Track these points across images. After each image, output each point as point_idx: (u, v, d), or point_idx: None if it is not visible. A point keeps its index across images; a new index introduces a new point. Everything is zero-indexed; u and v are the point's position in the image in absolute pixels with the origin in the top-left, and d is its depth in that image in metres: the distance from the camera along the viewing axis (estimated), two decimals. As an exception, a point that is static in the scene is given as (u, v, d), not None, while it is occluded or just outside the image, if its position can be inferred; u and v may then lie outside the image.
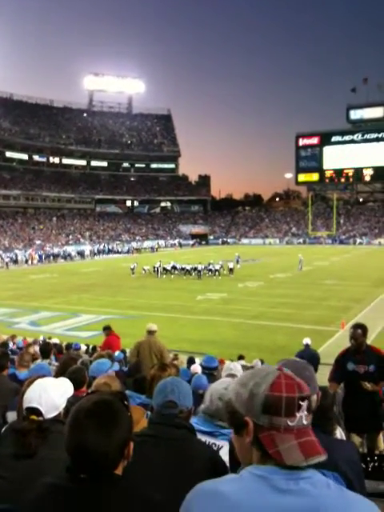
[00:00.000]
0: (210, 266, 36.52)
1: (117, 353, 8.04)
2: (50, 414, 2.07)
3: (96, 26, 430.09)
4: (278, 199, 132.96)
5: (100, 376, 3.15)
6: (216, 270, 35.71)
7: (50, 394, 2.10)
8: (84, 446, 1.28)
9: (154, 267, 37.78)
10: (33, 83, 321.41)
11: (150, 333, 6.95)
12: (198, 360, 9.81)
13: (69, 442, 1.32)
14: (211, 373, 5.74)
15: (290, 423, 1.10)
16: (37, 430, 1.97)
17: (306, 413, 1.12)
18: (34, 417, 2.02)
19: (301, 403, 1.12)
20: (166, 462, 1.89)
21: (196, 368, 6.71)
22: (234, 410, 1.18)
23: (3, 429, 2.32)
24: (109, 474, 1.32)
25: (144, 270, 38.44)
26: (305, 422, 1.12)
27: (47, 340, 12.68)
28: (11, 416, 3.05)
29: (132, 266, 38.64)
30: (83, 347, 12.44)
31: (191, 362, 9.20)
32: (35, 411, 2.05)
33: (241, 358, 11.43)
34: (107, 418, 1.32)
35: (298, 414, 1.11)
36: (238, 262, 41.70)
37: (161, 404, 2.11)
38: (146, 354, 6.52)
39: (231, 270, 36.02)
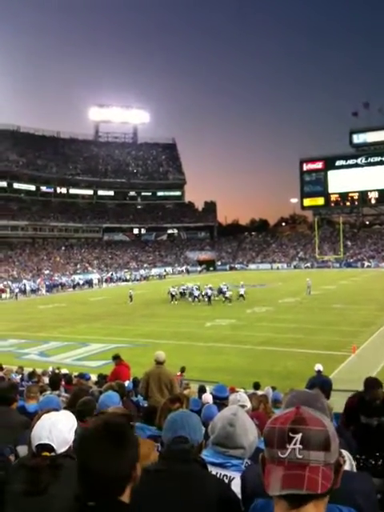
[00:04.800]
0: (224, 289, 36.62)
1: (127, 383, 7.97)
2: (61, 448, 2.06)
3: (101, 58, 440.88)
4: (284, 224, 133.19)
5: (110, 408, 3.13)
6: (226, 297, 35.67)
7: (60, 429, 2.09)
8: (91, 469, 1.26)
9: (172, 292, 37.91)
10: (39, 115, 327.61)
11: (159, 363, 6.89)
12: (208, 388, 9.71)
13: (81, 470, 1.29)
14: (222, 403, 5.66)
15: (280, 455, 1.08)
16: (49, 466, 1.96)
17: (300, 446, 1.07)
18: (46, 453, 2.01)
19: (292, 435, 1.08)
20: (177, 498, 1.87)
21: (207, 398, 6.64)
22: None
23: (13, 464, 2.29)
24: (115, 503, 1.30)
25: (172, 293, 38.12)
26: (299, 456, 1.06)
27: (56, 371, 12.63)
28: (21, 450, 3.01)
29: (131, 293, 38.76)
30: (93, 377, 12.36)
31: (202, 391, 9.09)
32: (47, 447, 2.03)
33: (256, 386, 11.26)
34: (115, 439, 1.30)
35: (289, 446, 1.07)
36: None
37: (171, 439, 2.10)
38: (156, 384, 6.45)
39: (242, 296, 36.03)
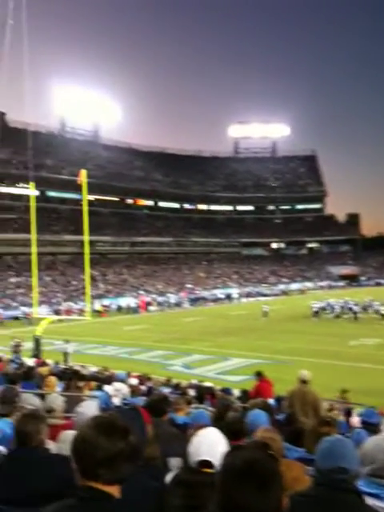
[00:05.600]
0: (376, 306, 34.88)
1: (271, 401, 7.93)
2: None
3: (238, 75, 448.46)
4: None
5: (260, 428, 3.14)
6: (382, 315, 33.79)
7: (219, 446, 2.16)
8: (234, 505, 1.24)
9: (315, 307, 37.06)
10: (182, 135, 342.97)
11: (303, 382, 6.74)
12: (354, 412, 9.23)
13: (224, 502, 1.27)
14: (373, 429, 5.35)
15: None
16: (209, 482, 1.98)
17: None
18: (208, 470, 2.08)
19: None
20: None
21: (354, 422, 6.34)
22: None
23: (171, 477, 2.38)
24: None
25: (314, 308, 37.48)
26: None
27: (201, 384, 12.99)
28: (173, 462, 3.06)
29: (265, 309, 38.39)
30: (235, 392, 12.48)
31: (348, 414, 8.68)
32: (207, 464, 2.11)
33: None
34: (260, 481, 1.26)
35: None
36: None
37: (330, 468, 2.06)
38: (300, 404, 6.32)
39: None
